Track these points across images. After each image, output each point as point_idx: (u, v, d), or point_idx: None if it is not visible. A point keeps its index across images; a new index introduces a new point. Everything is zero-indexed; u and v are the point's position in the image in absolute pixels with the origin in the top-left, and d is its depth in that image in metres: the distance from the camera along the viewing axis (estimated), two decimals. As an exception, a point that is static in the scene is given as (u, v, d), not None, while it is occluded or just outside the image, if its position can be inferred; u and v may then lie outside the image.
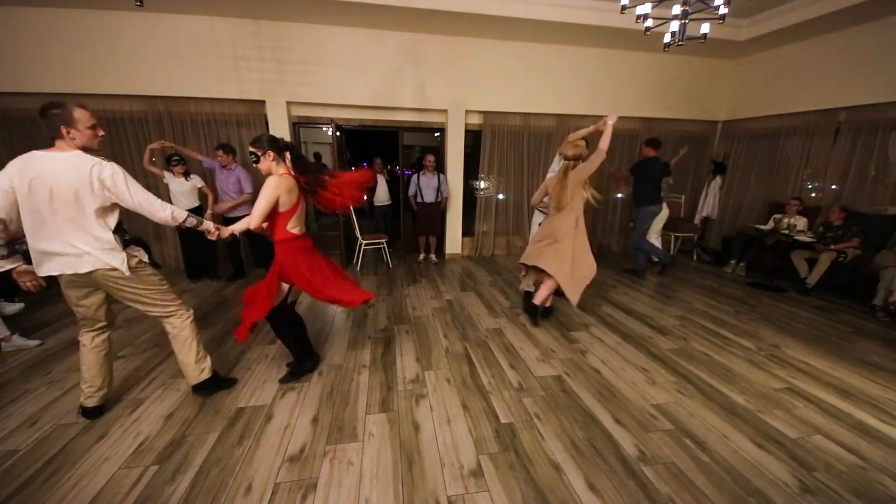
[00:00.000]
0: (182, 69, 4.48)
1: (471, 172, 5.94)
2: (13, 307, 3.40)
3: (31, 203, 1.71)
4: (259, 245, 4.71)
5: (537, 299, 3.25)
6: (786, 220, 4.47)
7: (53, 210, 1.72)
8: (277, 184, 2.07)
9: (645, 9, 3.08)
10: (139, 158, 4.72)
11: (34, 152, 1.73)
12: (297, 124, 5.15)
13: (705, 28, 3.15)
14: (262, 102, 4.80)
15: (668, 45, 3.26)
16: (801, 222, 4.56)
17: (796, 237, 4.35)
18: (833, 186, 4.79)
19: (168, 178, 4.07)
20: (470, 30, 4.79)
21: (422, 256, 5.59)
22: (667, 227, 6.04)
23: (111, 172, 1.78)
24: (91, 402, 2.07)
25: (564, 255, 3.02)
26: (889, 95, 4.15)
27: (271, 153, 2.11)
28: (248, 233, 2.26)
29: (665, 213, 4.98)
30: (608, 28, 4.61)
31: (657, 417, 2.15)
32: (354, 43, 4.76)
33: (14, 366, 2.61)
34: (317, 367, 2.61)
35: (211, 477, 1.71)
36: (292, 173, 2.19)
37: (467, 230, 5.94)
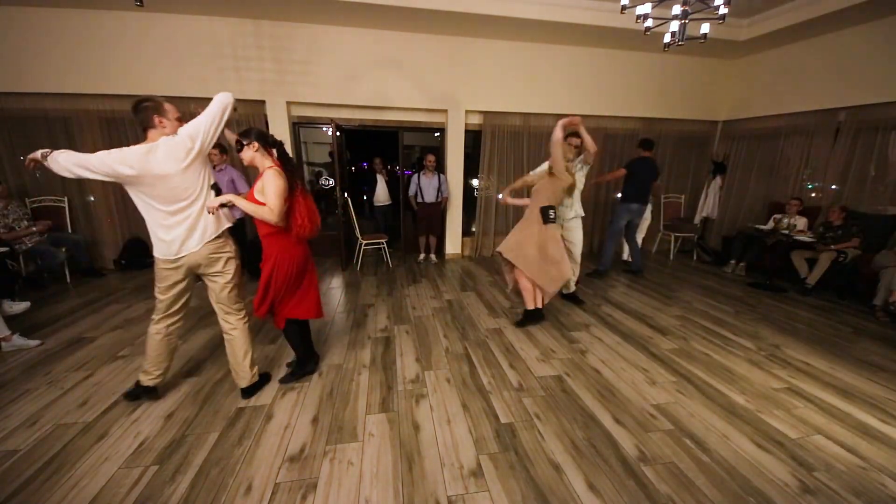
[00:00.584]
0: (182, 69, 4.48)
1: (471, 172, 5.94)
2: (20, 306, 3.41)
3: None
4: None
5: (529, 304, 3.28)
6: (786, 220, 4.47)
7: None
8: (276, 173, 2.05)
9: (645, 9, 3.08)
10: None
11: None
12: (297, 124, 5.15)
13: (705, 28, 3.15)
14: (262, 102, 4.80)
15: (668, 45, 3.26)
16: (801, 222, 4.56)
17: (796, 237, 4.35)
18: (833, 186, 4.79)
19: None
20: (470, 30, 4.79)
21: (422, 256, 5.59)
22: (667, 227, 6.07)
23: None
24: (152, 383, 2.18)
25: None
26: (889, 95, 4.15)
27: (256, 144, 2.10)
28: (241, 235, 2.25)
29: (648, 216, 5.00)
30: (608, 28, 4.61)
31: (657, 417, 2.15)
32: (354, 43, 4.76)
33: (14, 366, 2.61)
34: (317, 368, 2.61)
35: (211, 477, 1.71)
36: (279, 167, 2.14)
37: (467, 230, 5.94)
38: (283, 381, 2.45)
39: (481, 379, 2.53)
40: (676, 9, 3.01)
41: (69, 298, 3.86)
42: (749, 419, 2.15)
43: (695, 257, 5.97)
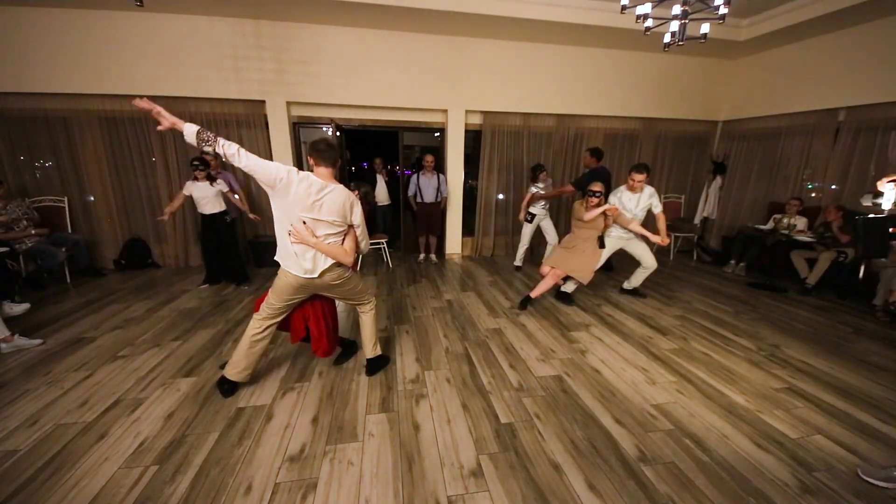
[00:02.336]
0: (182, 69, 4.48)
1: (471, 172, 5.94)
2: (20, 307, 3.41)
3: None
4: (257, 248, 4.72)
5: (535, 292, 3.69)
6: (786, 220, 4.47)
7: None
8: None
9: (645, 9, 3.08)
10: (139, 159, 4.74)
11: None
12: (297, 124, 5.15)
13: (705, 28, 3.15)
14: (262, 102, 4.80)
15: (668, 45, 3.26)
16: (800, 222, 4.56)
17: (796, 237, 4.35)
18: (833, 186, 4.79)
19: (188, 187, 3.85)
20: (470, 30, 4.79)
21: (422, 256, 5.59)
22: (667, 227, 6.06)
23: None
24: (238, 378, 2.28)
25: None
26: (889, 95, 4.15)
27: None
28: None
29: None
30: (608, 28, 4.61)
31: (657, 417, 2.15)
32: (354, 43, 4.76)
33: (14, 366, 2.60)
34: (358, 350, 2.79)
35: (211, 477, 1.71)
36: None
37: (467, 230, 5.94)
38: (336, 362, 2.68)
39: (481, 379, 2.53)
40: (676, 9, 3.01)
41: (69, 298, 3.86)
42: (749, 419, 2.15)
43: (695, 257, 5.97)
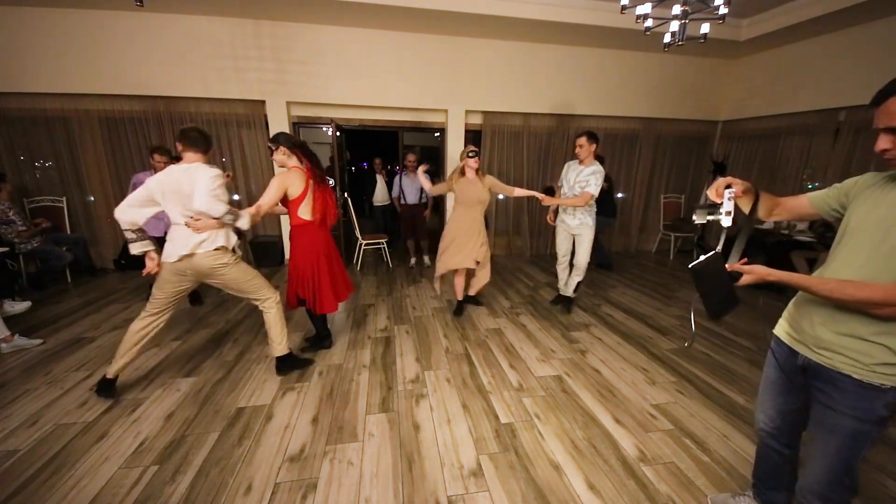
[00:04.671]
0: (182, 69, 4.48)
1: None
2: (21, 306, 3.41)
3: None
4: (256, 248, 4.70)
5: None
6: (786, 220, 4.47)
7: None
8: (284, 176, 2.38)
9: (645, 9, 3.08)
10: (139, 159, 4.74)
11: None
12: (297, 124, 5.14)
13: (705, 28, 3.15)
14: (262, 102, 4.80)
15: (668, 45, 3.26)
16: (801, 222, 4.56)
17: (796, 237, 4.35)
18: (833, 186, 4.79)
19: None
20: (470, 30, 4.79)
21: (412, 261, 5.35)
22: (667, 227, 6.07)
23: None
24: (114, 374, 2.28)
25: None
26: (889, 95, 4.14)
27: (283, 147, 2.43)
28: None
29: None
30: (608, 28, 4.61)
31: (657, 417, 2.15)
32: (354, 43, 4.76)
33: (14, 365, 2.61)
34: (331, 346, 2.92)
35: (211, 477, 1.71)
36: (302, 166, 2.48)
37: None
38: (304, 349, 2.83)
39: (481, 379, 2.53)
40: (676, 9, 3.01)
41: (69, 298, 3.86)
42: (749, 419, 2.14)
43: (695, 257, 5.96)
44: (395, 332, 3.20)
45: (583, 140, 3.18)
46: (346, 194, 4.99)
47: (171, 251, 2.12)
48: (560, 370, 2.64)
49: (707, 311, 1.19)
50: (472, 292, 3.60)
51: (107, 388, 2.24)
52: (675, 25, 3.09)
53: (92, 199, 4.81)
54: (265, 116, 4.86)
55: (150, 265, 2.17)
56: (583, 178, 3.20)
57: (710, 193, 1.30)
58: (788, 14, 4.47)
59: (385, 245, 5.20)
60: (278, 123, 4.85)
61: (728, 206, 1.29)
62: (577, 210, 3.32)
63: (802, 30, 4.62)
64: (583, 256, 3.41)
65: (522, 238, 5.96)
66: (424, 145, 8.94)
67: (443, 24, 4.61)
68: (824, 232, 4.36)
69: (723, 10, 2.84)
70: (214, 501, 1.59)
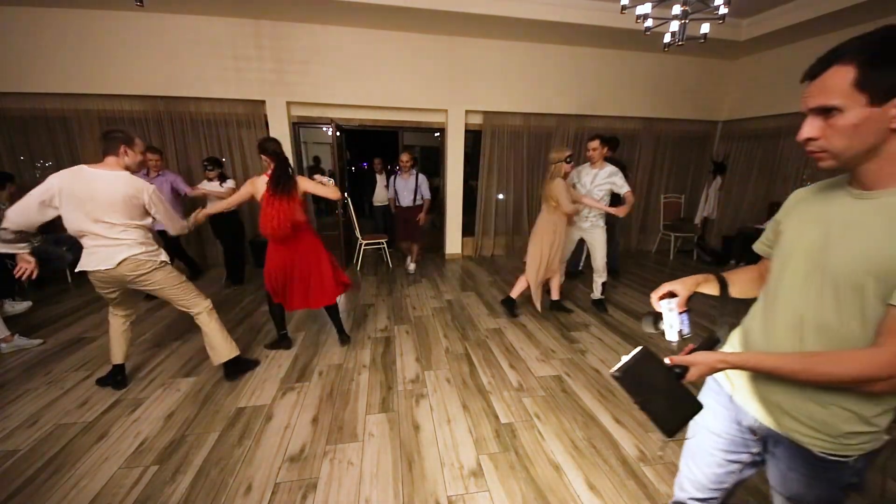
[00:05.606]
0: (182, 69, 4.47)
1: (471, 172, 5.93)
2: (21, 306, 3.41)
3: None
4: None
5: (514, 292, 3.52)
6: (786, 220, 4.46)
7: None
8: (252, 180, 2.51)
9: (645, 9, 3.08)
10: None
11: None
12: (297, 124, 5.14)
13: (705, 28, 3.15)
14: (262, 102, 4.80)
15: (668, 45, 3.26)
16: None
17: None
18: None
19: (205, 186, 4.05)
20: (470, 30, 4.79)
21: (412, 266, 5.13)
22: (667, 227, 6.07)
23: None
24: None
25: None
26: (889, 95, 4.14)
27: (263, 156, 2.51)
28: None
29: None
30: (608, 28, 4.61)
31: (657, 417, 2.15)
32: (354, 43, 4.76)
33: (14, 365, 2.61)
34: (290, 346, 2.90)
35: (211, 477, 1.71)
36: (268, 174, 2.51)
37: (468, 230, 5.94)
38: (268, 346, 2.88)
39: (481, 379, 2.53)
40: (676, 9, 3.01)
41: (69, 298, 3.86)
42: (749, 419, 2.15)
43: (695, 257, 5.97)
44: (395, 332, 3.20)
45: (595, 143, 3.27)
46: (345, 194, 4.98)
47: (86, 263, 2.09)
48: (560, 370, 2.64)
49: (657, 427, 0.86)
50: (558, 296, 3.59)
51: (115, 376, 2.34)
52: (675, 25, 3.09)
53: (92, 199, 4.80)
54: (265, 116, 4.86)
55: (26, 266, 2.04)
56: (603, 181, 3.31)
57: (653, 299, 1.07)
58: (788, 14, 4.47)
59: (385, 245, 5.20)
60: (278, 123, 4.85)
61: (670, 318, 1.04)
62: (589, 212, 3.39)
63: (802, 30, 4.62)
64: (600, 258, 3.48)
65: (522, 238, 5.96)
66: (424, 145, 8.94)
67: (443, 24, 4.61)
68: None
69: (723, 10, 2.85)
70: (214, 501, 1.59)
